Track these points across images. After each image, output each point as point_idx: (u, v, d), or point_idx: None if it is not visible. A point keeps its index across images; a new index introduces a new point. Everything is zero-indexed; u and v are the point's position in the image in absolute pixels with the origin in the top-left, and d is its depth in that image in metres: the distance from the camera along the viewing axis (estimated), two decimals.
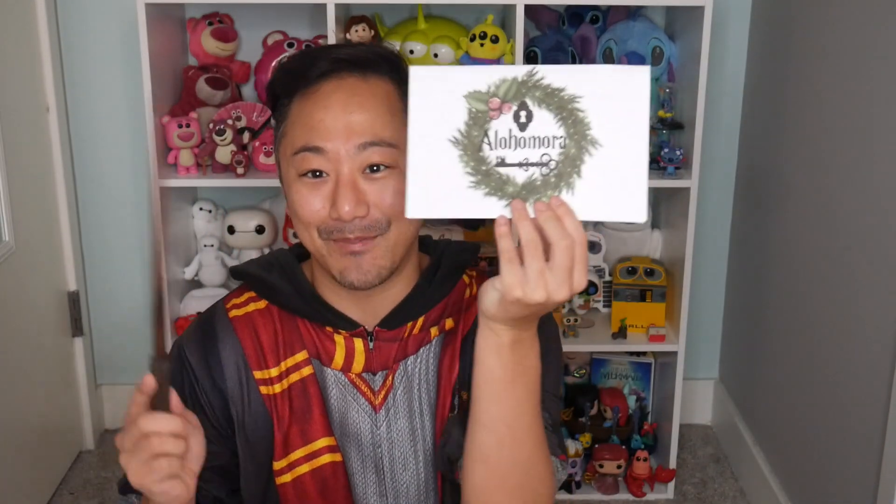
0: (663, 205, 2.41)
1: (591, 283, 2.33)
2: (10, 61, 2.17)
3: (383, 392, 1.19)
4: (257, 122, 2.26)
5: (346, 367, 1.18)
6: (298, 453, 1.18)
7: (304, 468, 1.19)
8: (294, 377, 1.18)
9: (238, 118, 2.22)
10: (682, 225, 2.21)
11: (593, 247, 2.37)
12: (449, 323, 1.21)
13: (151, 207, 2.14)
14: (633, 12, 2.29)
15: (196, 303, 2.31)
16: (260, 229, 2.34)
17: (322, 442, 1.18)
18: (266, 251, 2.40)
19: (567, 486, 2.36)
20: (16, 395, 2.18)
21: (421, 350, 1.20)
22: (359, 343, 1.18)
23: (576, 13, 2.32)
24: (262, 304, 1.21)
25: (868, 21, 1.76)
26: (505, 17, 2.28)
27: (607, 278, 2.38)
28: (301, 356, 1.19)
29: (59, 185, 2.38)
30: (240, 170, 2.16)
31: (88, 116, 2.44)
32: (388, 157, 1.09)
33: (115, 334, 2.61)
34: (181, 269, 2.33)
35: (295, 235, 2.30)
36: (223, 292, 2.33)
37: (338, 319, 1.17)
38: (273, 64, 2.32)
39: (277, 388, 1.18)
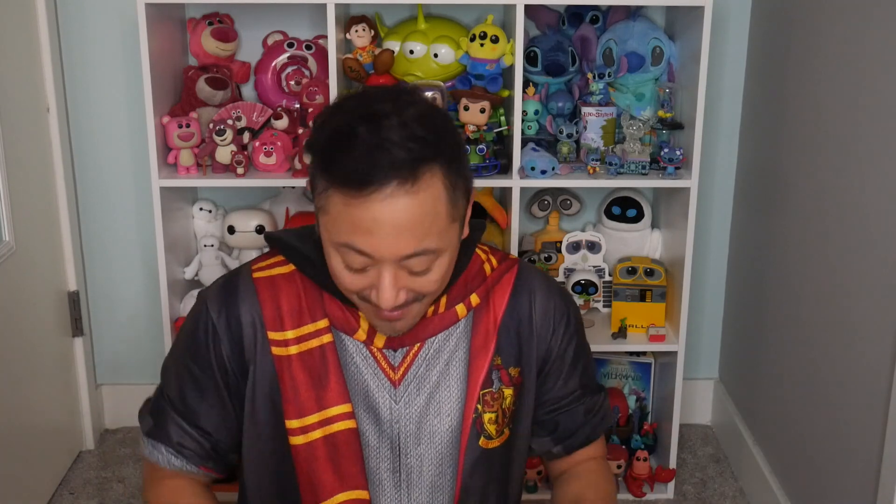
0: (663, 205, 2.41)
1: (591, 283, 2.33)
2: (10, 61, 2.17)
3: (402, 368, 1.23)
4: (257, 122, 2.26)
5: (369, 341, 1.23)
6: (312, 418, 1.22)
7: (317, 433, 1.22)
8: (313, 343, 1.22)
9: (238, 118, 2.22)
10: (682, 225, 2.21)
11: (593, 247, 2.37)
12: (475, 299, 1.26)
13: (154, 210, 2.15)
14: (633, 12, 2.29)
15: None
16: (260, 229, 2.34)
17: (337, 409, 1.22)
18: (266, 251, 2.39)
19: None
20: (16, 395, 2.18)
21: (451, 329, 1.24)
22: None
23: (576, 13, 2.32)
24: (287, 269, 1.26)
25: (868, 21, 1.76)
26: (505, 17, 2.28)
27: (607, 278, 2.38)
28: (322, 323, 1.23)
29: (59, 185, 2.38)
30: (240, 170, 2.16)
31: (88, 116, 2.44)
32: (430, 259, 1.12)
33: (115, 334, 2.61)
34: (181, 269, 2.33)
35: None
36: None
37: None
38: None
39: (293, 349, 1.22)
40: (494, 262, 1.30)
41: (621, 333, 2.30)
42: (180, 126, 2.15)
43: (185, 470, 1.27)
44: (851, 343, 1.81)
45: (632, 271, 2.31)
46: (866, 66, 1.76)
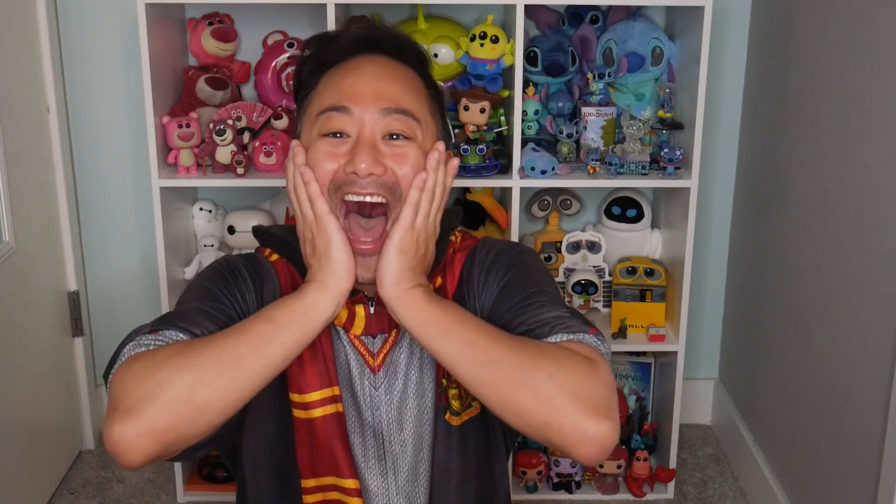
0: (663, 205, 2.41)
1: (591, 283, 2.33)
2: (10, 61, 2.17)
3: (381, 355, 1.23)
4: (257, 122, 2.26)
5: (348, 328, 1.23)
6: (315, 395, 1.21)
7: (317, 412, 1.21)
8: None
9: (238, 118, 2.22)
10: (682, 225, 2.21)
11: (593, 247, 2.37)
12: (438, 281, 1.26)
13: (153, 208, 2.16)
14: (633, 12, 2.29)
15: None
16: None
17: (332, 391, 1.21)
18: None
19: (567, 486, 2.36)
20: (16, 395, 2.18)
21: None
22: (360, 308, 1.22)
23: (576, 13, 2.32)
24: (282, 260, 1.29)
25: (868, 21, 1.76)
26: (505, 17, 2.28)
27: (607, 278, 2.38)
28: None
29: (59, 185, 2.38)
30: (240, 170, 2.16)
31: (88, 116, 2.44)
32: (409, 127, 1.16)
33: (115, 334, 2.60)
34: (181, 269, 2.33)
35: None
36: None
37: None
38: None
39: None
40: (458, 244, 1.29)
41: (621, 333, 2.30)
42: (180, 126, 2.15)
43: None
44: (852, 343, 1.81)
45: (632, 271, 2.31)
46: (866, 65, 1.76)
